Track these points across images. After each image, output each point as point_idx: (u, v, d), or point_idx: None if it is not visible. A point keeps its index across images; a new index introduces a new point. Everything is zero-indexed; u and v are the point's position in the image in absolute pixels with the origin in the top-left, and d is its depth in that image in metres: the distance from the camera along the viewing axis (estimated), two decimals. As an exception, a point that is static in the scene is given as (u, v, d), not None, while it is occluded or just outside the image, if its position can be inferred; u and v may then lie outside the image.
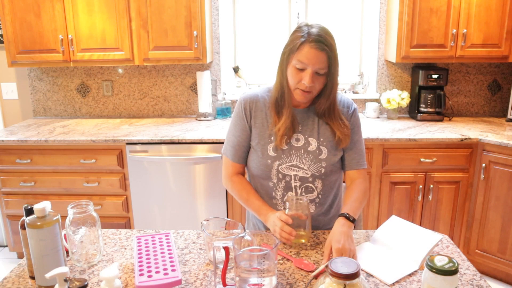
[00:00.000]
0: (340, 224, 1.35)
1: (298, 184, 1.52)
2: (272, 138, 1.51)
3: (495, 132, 2.86)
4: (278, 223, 1.36)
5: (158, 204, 2.94)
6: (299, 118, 1.53)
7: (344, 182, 1.67)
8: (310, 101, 1.53)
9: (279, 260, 1.34)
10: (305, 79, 1.40)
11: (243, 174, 1.65)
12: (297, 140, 1.52)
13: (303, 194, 1.52)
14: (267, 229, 1.61)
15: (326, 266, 0.95)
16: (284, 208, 1.42)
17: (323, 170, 1.51)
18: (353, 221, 1.38)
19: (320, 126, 1.53)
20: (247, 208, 1.59)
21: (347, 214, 1.39)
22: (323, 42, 1.37)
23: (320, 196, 1.54)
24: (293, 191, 1.52)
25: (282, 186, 1.53)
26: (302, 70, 1.40)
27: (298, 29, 1.42)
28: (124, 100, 3.47)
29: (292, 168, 1.51)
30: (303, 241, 1.42)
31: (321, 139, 1.52)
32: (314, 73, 1.40)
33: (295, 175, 1.51)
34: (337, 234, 1.31)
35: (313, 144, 1.52)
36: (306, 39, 1.37)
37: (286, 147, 1.51)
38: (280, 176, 1.51)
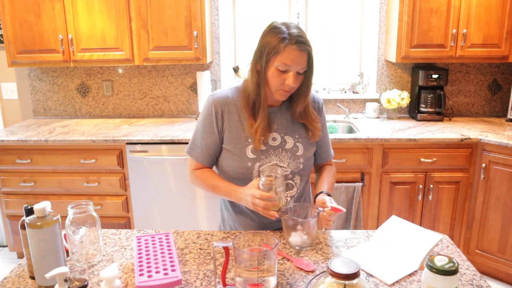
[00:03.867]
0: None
1: None
2: (249, 140, 1.50)
3: (495, 132, 2.86)
4: (257, 193, 1.33)
5: (158, 204, 2.94)
6: (273, 117, 1.53)
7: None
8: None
9: (279, 260, 1.34)
10: (289, 80, 1.39)
11: None
12: (274, 139, 1.52)
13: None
14: (243, 228, 1.61)
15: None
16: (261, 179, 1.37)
17: (301, 166, 1.53)
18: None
19: (293, 123, 1.54)
20: (217, 195, 1.56)
21: (328, 192, 1.51)
22: (305, 43, 1.38)
23: (298, 191, 1.56)
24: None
25: None
26: (284, 71, 1.40)
27: (276, 29, 1.40)
28: (124, 100, 3.47)
29: None
30: (281, 205, 1.38)
31: (296, 136, 1.54)
32: (296, 73, 1.40)
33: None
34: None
35: (289, 142, 1.52)
36: (290, 41, 1.36)
37: (264, 148, 1.50)
38: None
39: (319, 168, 1.69)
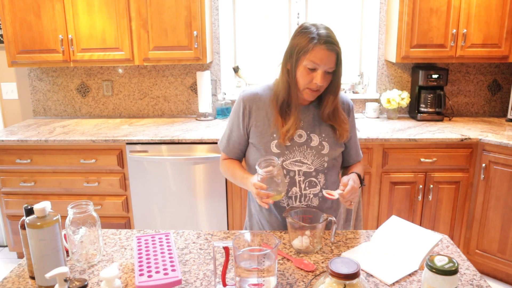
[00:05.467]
0: (354, 177, 1.52)
1: (302, 178, 1.54)
2: (275, 135, 1.54)
3: (495, 132, 2.86)
4: (253, 181, 1.42)
5: (158, 204, 2.94)
6: (300, 115, 1.56)
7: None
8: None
9: (279, 260, 1.34)
10: (316, 78, 1.44)
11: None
12: (300, 136, 1.55)
13: (307, 188, 1.55)
14: (270, 224, 1.63)
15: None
16: (258, 174, 1.42)
17: (325, 165, 1.55)
18: (361, 181, 1.57)
19: (320, 122, 1.58)
20: (235, 182, 1.64)
21: (359, 174, 1.57)
22: (334, 43, 1.43)
23: (323, 190, 1.57)
24: (297, 185, 1.54)
25: (287, 182, 1.55)
26: (313, 70, 1.45)
27: (306, 29, 1.45)
28: (124, 100, 3.47)
29: (296, 163, 1.54)
30: (281, 195, 1.42)
31: (323, 135, 1.56)
32: (324, 73, 1.45)
33: (299, 170, 1.54)
34: (354, 178, 1.50)
35: (315, 139, 1.55)
36: (318, 40, 1.41)
37: (289, 144, 1.54)
38: (285, 172, 1.54)
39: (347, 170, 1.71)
